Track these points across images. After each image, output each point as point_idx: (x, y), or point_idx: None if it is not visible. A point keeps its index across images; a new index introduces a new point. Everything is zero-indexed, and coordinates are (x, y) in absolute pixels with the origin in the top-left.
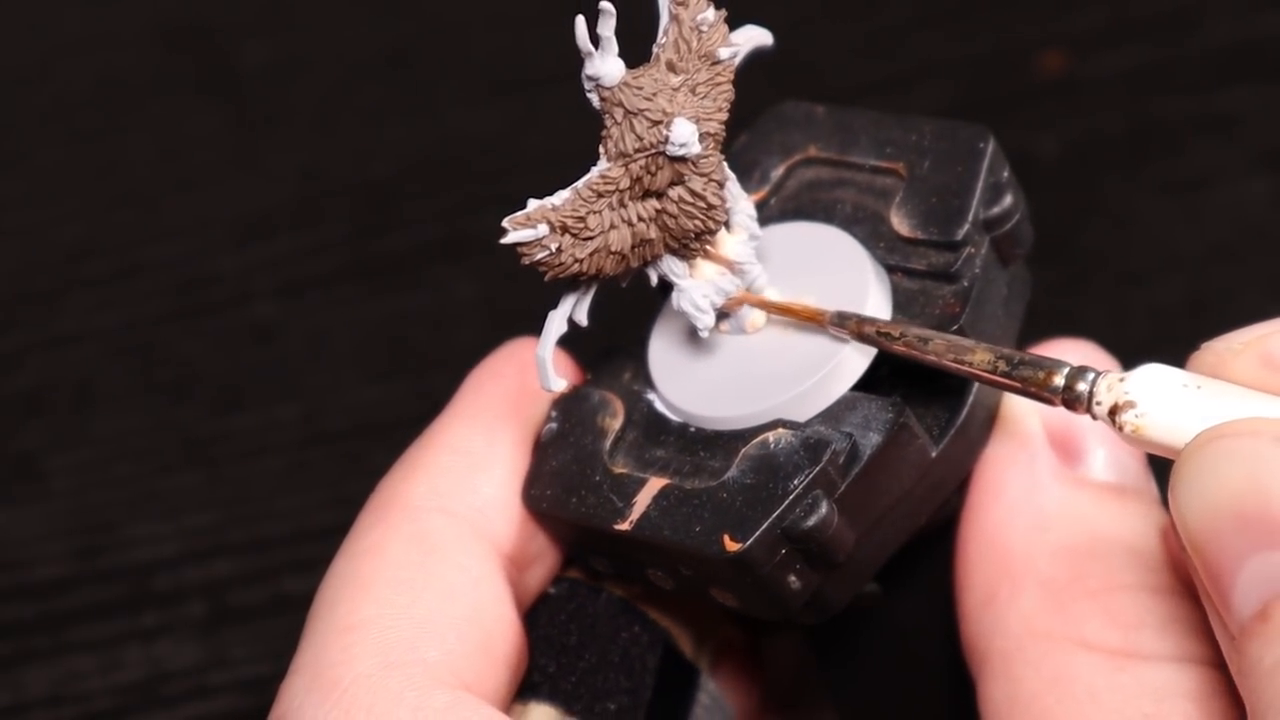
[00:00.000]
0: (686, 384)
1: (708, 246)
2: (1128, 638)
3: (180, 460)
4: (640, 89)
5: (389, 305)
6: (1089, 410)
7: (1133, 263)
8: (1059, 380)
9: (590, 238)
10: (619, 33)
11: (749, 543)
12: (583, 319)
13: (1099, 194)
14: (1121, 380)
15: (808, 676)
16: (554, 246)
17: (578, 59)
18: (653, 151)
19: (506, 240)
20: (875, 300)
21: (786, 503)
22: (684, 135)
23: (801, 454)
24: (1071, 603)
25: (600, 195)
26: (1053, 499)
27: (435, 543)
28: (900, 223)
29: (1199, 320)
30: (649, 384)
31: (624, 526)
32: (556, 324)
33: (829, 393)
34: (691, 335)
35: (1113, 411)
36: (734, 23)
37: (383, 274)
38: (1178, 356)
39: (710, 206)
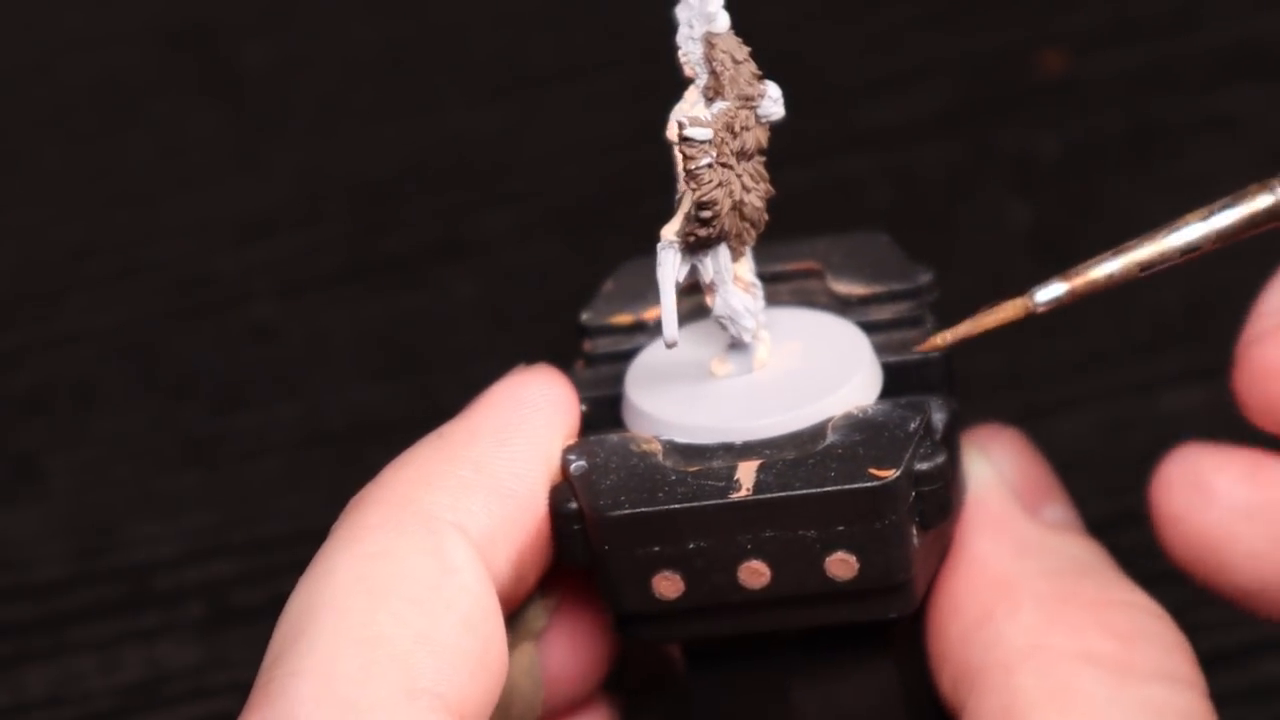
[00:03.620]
0: (714, 409)
1: (739, 261)
2: (1124, 649)
3: (180, 460)
4: (737, 42)
5: (389, 305)
6: None
7: None
8: (1272, 193)
9: (726, 165)
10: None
11: (901, 469)
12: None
13: (1099, 194)
14: None
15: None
16: (714, 155)
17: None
18: (751, 106)
19: (687, 133)
20: (867, 349)
21: (916, 439)
22: (777, 93)
23: (902, 410)
24: (1071, 612)
25: (727, 128)
26: (1031, 531)
27: (452, 564)
28: (848, 289)
29: (1199, 320)
30: (657, 430)
31: (742, 494)
32: (670, 272)
33: (869, 395)
34: (685, 378)
35: None
36: (736, 25)
37: (383, 274)
38: (1178, 357)
39: (769, 192)
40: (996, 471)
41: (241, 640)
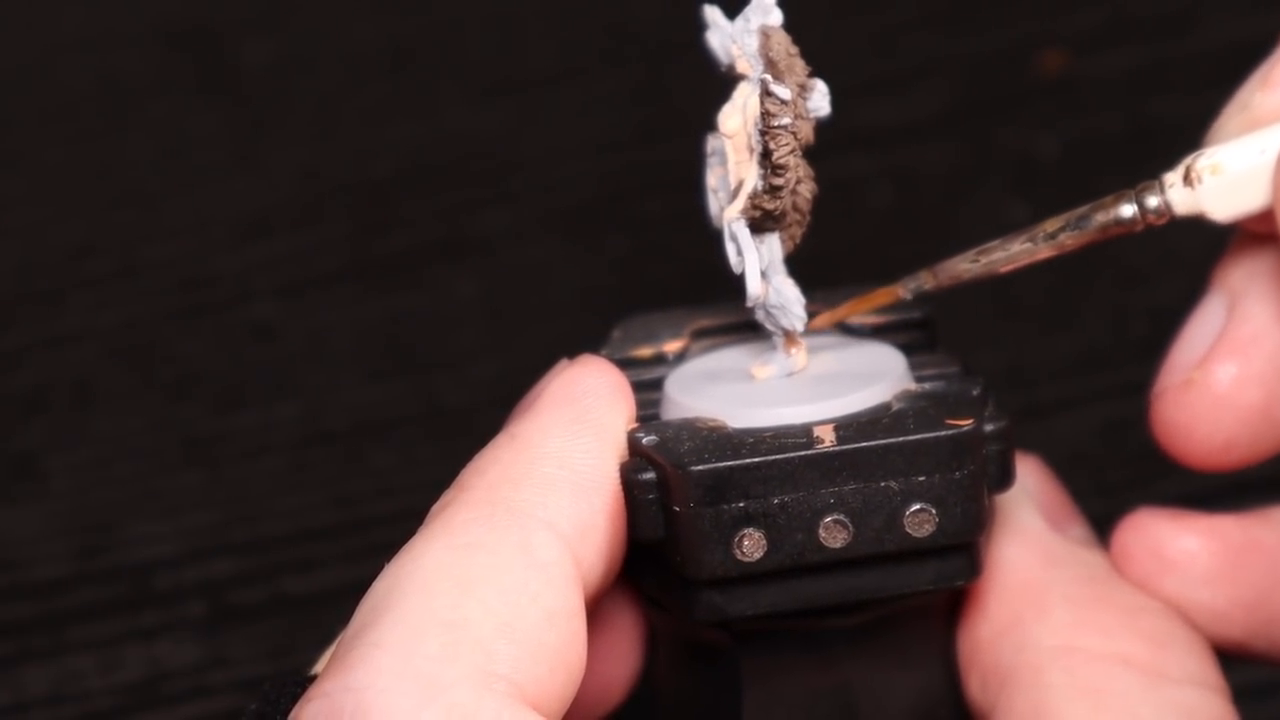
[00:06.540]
0: (770, 400)
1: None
2: (1155, 652)
3: (180, 460)
4: (789, 38)
5: (389, 305)
6: (1166, 202)
7: (1133, 263)
8: (1128, 205)
9: (796, 135)
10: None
11: (977, 420)
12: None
13: (1099, 194)
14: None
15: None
16: (792, 117)
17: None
18: (804, 96)
19: (771, 88)
20: (895, 351)
21: (981, 402)
22: (825, 89)
23: (959, 383)
24: (1101, 616)
25: (795, 103)
26: (1058, 543)
27: (541, 560)
28: (859, 320)
29: None
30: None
31: (827, 445)
32: (747, 235)
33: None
34: (729, 381)
35: (1187, 176)
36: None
37: (383, 274)
38: None
39: (814, 191)
40: (1021, 488)
41: (241, 639)
